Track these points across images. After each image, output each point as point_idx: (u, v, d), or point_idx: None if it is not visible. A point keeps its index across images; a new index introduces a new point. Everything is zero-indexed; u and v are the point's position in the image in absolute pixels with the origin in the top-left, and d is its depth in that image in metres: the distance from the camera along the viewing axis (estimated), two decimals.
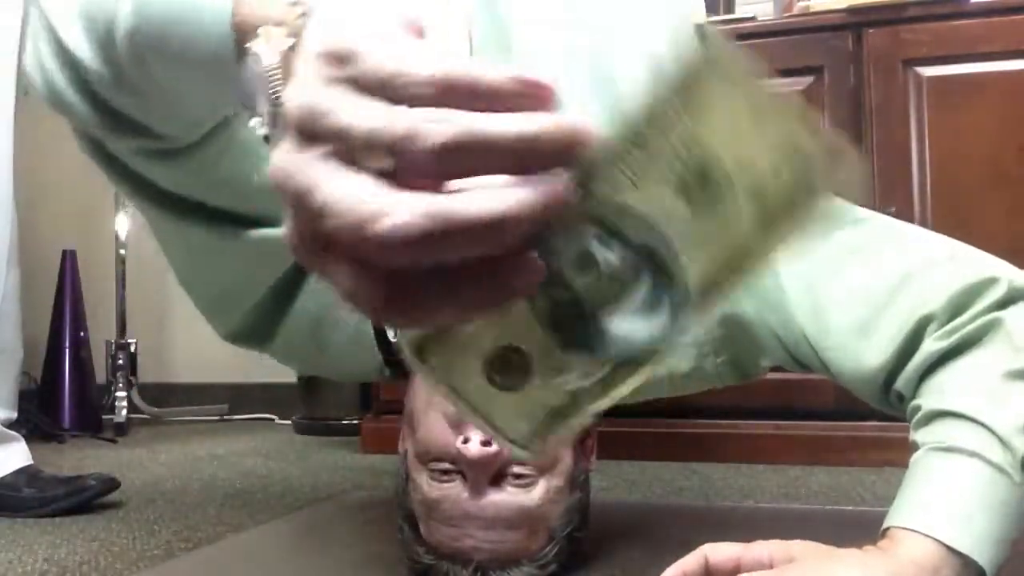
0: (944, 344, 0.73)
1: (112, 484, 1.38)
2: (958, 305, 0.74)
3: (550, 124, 0.30)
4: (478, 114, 0.29)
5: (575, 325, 0.35)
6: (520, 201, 0.30)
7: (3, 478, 1.36)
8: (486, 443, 0.77)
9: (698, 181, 0.33)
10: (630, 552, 0.99)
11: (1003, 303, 0.74)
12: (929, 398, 0.73)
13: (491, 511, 0.79)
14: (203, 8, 0.48)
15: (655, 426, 1.82)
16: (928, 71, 1.75)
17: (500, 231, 0.29)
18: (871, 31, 1.78)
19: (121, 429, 2.46)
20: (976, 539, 0.64)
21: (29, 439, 1.45)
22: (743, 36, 1.87)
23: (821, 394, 1.75)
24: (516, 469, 0.79)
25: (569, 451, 0.85)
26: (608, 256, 0.34)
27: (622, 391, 0.35)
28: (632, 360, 0.35)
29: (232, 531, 1.19)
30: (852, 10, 1.79)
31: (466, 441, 0.78)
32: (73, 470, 1.45)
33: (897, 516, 0.67)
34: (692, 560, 0.66)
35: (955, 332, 0.73)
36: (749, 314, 0.85)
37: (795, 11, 1.91)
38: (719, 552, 0.66)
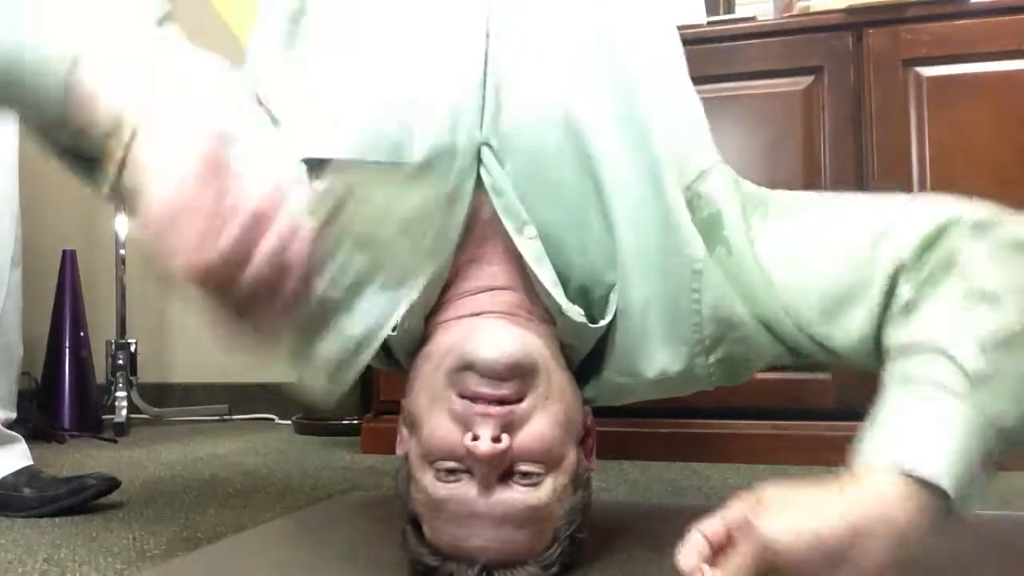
0: (911, 286, 0.76)
1: (112, 483, 1.38)
2: (926, 247, 0.77)
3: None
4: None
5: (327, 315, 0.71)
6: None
7: (3, 478, 1.36)
8: (496, 439, 0.77)
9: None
10: (630, 552, 0.99)
11: (968, 238, 0.76)
12: (894, 336, 0.75)
13: (500, 509, 0.78)
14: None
15: (655, 426, 1.82)
16: (928, 71, 1.75)
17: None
18: (871, 31, 1.78)
19: (121, 429, 2.45)
20: (940, 465, 0.64)
21: (29, 439, 1.45)
22: (743, 36, 1.87)
23: (821, 394, 1.75)
24: (523, 467, 0.79)
25: (573, 449, 0.85)
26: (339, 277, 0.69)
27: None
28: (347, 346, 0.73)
29: (232, 531, 1.19)
30: (852, 10, 1.79)
31: (475, 439, 0.77)
32: (73, 470, 1.45)
33: (860, 452, 0.67)
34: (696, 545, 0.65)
35: (920, 272, 0.76)
36: (737, 310, 0.85)
37: (795, 11, 1.91)
38: (710, 529, 0.65)
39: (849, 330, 0.80)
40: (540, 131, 0.88)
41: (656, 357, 0.89)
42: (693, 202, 0.87)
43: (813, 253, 0.83)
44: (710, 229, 0.86)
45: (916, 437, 0.66)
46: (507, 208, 0.87)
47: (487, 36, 0.90)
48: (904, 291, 0.76)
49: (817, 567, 0.61)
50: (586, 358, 0.93)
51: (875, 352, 0.79)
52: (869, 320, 0.78)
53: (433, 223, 0.75)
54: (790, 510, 0.63)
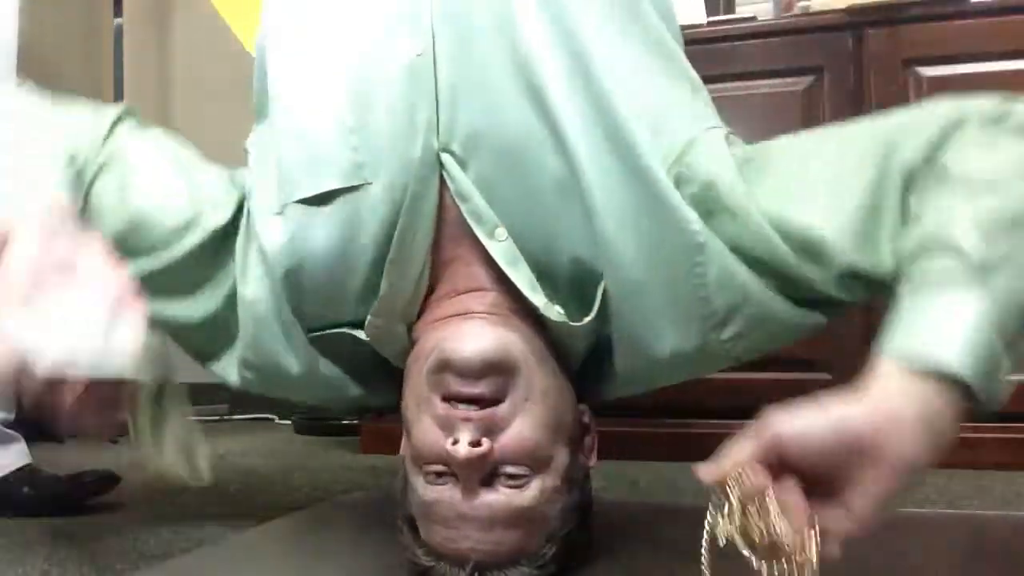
0: (918, 196, 0.76)
1: (111, 478, 1.38)
2: (933, 151, 0.76)
3: None
4: None
5: None
6: None
7: (3, 477, 1.36)
8: (475, 443, 0.77)
9: None
10: (631, 552, 0.99)
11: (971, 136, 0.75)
12: (901, 245, 0.75)
13: (484, 511, 0.79)
14: None
15: (656, 426, 1.82)
16: (928, 71, 1.75)
17: None
18: (871, 31, 1.78)
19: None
20: (955, 354, 0.62)
21: (29, 439, 1.45)
22: (743, 36, 1.87)
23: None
24: (509, 469, 0.79)
25: (564, 449, 0.84)
26: None
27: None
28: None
29: (232, 531, 1.19)
30: (852, 10, 1.79)
31: (455, 442, 0.77)
32: (73, 470, 1.45)
33: (874, 358, 0.66)
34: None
35: (926, 180, 0.75)
36: (748, 279, 0.83)
37: (795, 11, 1.91)
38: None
39: (880, 258, 0.77)
40: (510, 129, 0.86)
41: (666, 337, 0.87)
42: (683, 176, 0.85)
43: (822, 189, 0.80)
44: (706, 200, 0.84)
45: (929, 331, 0.64)
46: (473, 212, 0.86)
47: (432, 35, 0.89)
48: (913, 201, 0.76)
49: (837, 459, 0.60)
50: (597, 351, 0.91)
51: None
52: (894, 240, 0.77)
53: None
54: (805, 410, 0.62)
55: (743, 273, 0.83)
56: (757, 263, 0.83)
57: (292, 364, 0.95)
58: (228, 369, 0.99)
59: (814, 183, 0.82)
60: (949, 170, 0.74)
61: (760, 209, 0.81)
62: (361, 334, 0.91)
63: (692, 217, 0.83)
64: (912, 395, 0.62)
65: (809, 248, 0.80)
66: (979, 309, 0.65)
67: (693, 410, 1.80)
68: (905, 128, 0.80)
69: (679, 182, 0.85)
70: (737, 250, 0.83)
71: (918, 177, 0.76)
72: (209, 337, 0.98)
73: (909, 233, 0.75)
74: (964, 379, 0.62)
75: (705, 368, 0.93)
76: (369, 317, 0.89)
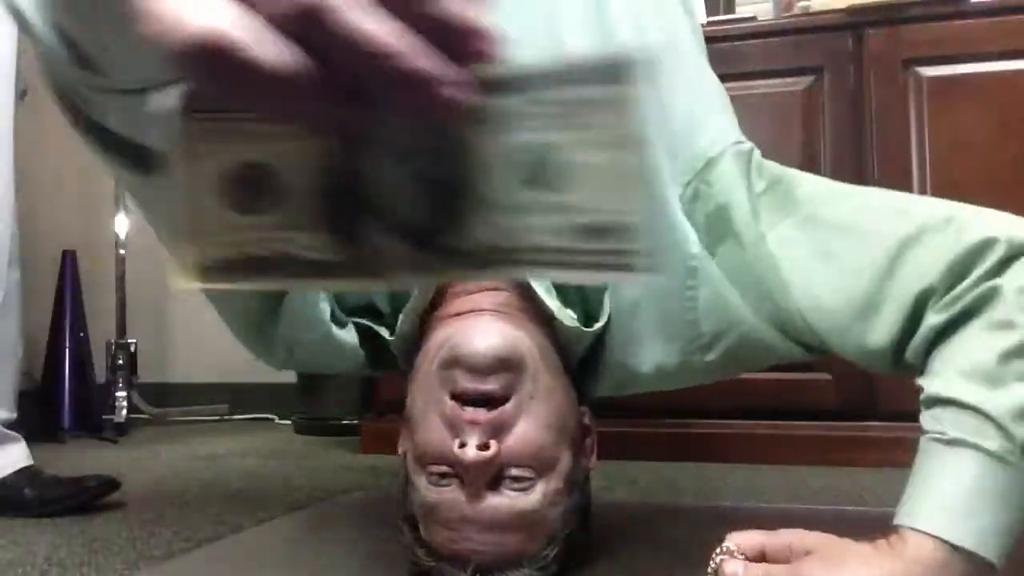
0: (944, 317, 0.73)
1: (112, 485, 1.38)
2: (957, 273, 0.73)
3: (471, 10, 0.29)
4: None
5: (339, 202, 0.32)
6: (426, 67, 0.28)
7: (4, 478, 1.36)
8: (483, 447, 0.77)
9: (541, 171, 0.32)
10: (631, 553, 0.99)
11: (1002, 264, 0.72)
12: (930, 379, 0.73)
13: (488, 515, 0.78)
14: None
15: (656, 426, 1.82)
16: (928, 71, 1.75)
17: (380, 67, 0.28)
18: (871, 31, 1.78)
19: (121, 429, 2.46)
20: (980, 533, 0.65)
21: (29, 439, 1.45)
22: (743, 36, 1.87)
23: (821, 394, 1.75)
24: (514, 472, 0.79)
25: (567, 452, 0.84)
26: (428, 168, 0.32)
27: (311, 286, 0.35)
28: (348, 265, 0.33)
29: (232, 531, 1.19)
30: (852, 10, 1.80)
31: (463, 445, 0.77)
32: (73, 470, 1.45)
33: (903, 514, 0.68)
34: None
35: (954, 303, 0.73)
36: (741, 307, 0.84)
37: (795, 11, 1.91)
38: (746, 540, 0.69)
39: (863, 343, 0.78)
40: None
41: (650, 353, 0.88)
42: (701, 193, 0.84)
43: (831, 263, 0.80)
44: (718, 222, 0.83)
45: (963, 510, 0.66)
46: None
47: None
48: (934, 319, 0.74)
49: None
50: (589, 350, 0.92)
51: (893, 364, 0.78)
52: (886, 337, 0.76)
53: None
54: (837, 567, 0.65)
55: (736, 299, 0.83)
56: (755, 291, 0.83)
57: (341, 334, 0.92)
58: (269, 351, 0.93)
59: (818, 259, 0.81)
60: (983, 314, 0.72)
61: (770, 251, 0.81)
62: (385, 332, 0.91)
63: (692, 238, 0.84)
64: (943, 567, 0.65)
65: (803, 316, 0.81)
66: (1013, 491, 0.66)
67: (693, 410, 1.80)
68: (923, 232, 0.77)
69: (695, 198, 0.84)
70: (737, 276, 0.83)
71: (939, 296, 0.74)
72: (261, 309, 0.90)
73: (935, 358, 0.74)
74: (994, 565, 0.65)
75: (685, 382, 0.93)
76: (401, 316, 0.90)
